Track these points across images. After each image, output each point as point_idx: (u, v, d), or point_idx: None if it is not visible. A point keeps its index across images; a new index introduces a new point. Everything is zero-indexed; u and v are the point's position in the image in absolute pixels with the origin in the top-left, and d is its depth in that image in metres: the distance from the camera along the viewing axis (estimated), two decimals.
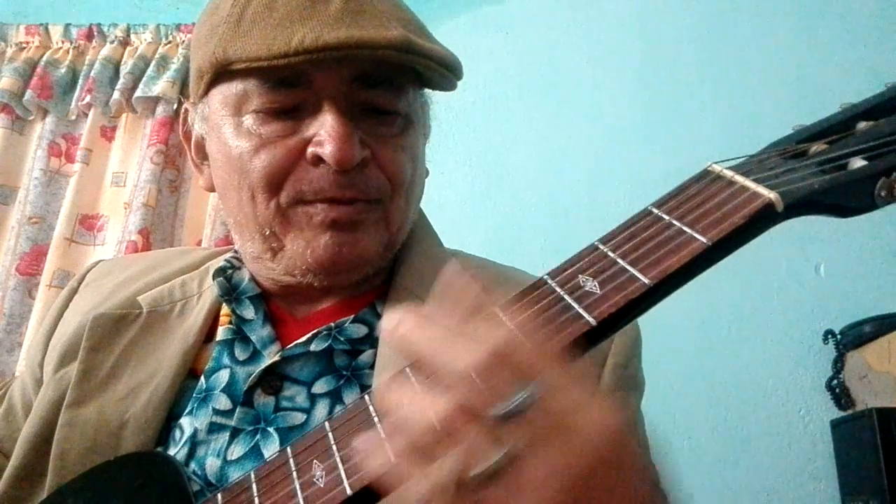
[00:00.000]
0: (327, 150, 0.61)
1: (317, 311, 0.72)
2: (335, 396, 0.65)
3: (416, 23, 0.67)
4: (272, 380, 0.65)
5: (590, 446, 0.36)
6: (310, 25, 0.61)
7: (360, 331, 0.68)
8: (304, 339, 0.66)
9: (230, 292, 0.71)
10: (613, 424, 0.37)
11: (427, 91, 0.74)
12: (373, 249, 0.66)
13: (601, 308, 0.41)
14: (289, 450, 0.48)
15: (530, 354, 0.38)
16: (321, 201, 0.64)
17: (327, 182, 0.63)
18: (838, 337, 1.77)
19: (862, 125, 0.45)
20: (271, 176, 0.64)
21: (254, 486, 0.49)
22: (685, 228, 0.41)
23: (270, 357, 0.67)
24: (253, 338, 0.69)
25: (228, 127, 0.66)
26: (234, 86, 0.65)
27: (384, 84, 0.64)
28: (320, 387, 0.65)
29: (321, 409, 0.64)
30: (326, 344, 0.66)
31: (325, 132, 0.62)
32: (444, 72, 0.66)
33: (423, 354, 0.40)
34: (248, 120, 0.65)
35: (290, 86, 0.63)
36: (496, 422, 0.36)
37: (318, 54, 0.60)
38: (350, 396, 0.65)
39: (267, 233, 0.66)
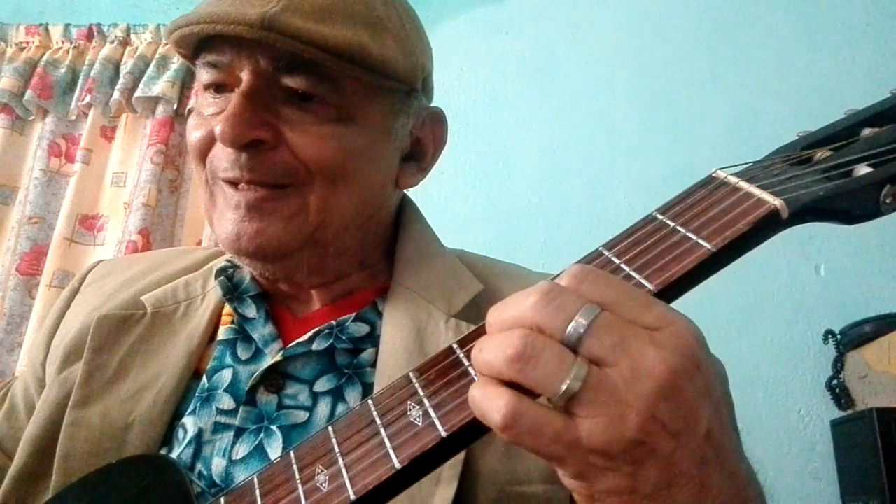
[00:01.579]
0: (217, 128, 0.62)
1: (316, 311, 0.72)
2: (337, 395, 0.65)
3: (330, 8, 0.62)
4: (274, 378, 0.66)
5: (672, 345, 0.37)
6: (213, 5, 0.62)
7: (361, 329, 0.68)
8: (305, 337, 0.66)
9: (232, 291, 0.72)
10: (689, 329, 0.38)
11: (422, 103, 0.72)
12: (281, 242, 0.64)
13: None
14: (292, 454, 0.48)
15: (582, 281, 0.39)
16: (227, 182, 0.65)
17: (227, 161, 0.64)
18: (838, 337, 1.76)
19: (867, 132, 0.44)
20: (197, 151, 0.67)
21: (257, 490, 0.49)
22: (690, 235, 0.41)
23: (272, 355, 0.67)
24: (255, 336, 0.69)
25: (195, 105, 0.70)
26: (196, 67, 0.68)
27: (304, 69, 0.62)
28: (322, 385, 0.66)
29: (323, 407, 0.64)
30: (328, 343, 0.66)
31: (223, 111, 0.63)
32: (327, 57, 0.60)
33: (498, 320, 0.40)
34: (201, 98, 0.68)
35: (214, 66, 0.65)
36: (569, 340, 0.37)
37: (184, 29, 0.62)
38: (351, 394, 0.65)
39: (206, 209, 0.69)
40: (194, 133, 0.67)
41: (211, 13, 0.60)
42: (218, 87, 0.66)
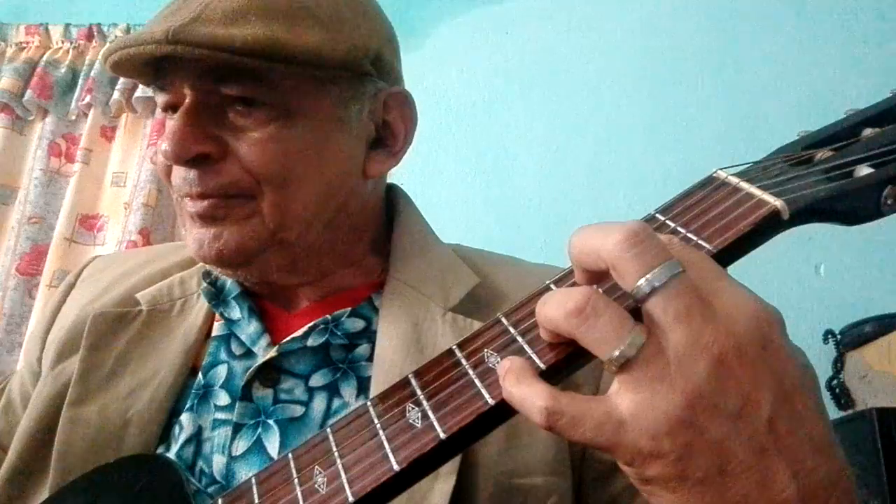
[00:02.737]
0: (163, 146, 0.63)
1: (305, 307, 0.72)
2: (332, 389, 0.65)
3: (244, 9, 0.61)
4: (269, 373, 0.66)
5: (734, 323, 0.35)
6: (144, 27, 0.63)
7: (357, 325, 0.68)
8: (300, 332, 0.66)
9: (217, 296, 0.71)
10: (757, 308, 0.36)
11: (378, 86, 0.70)
12: (239, 244, 0.64)
13: None
14: (290, 455, 0.48)
15: (670, 239, 0.39)
16: (184, 196, 0.65)
17: (181, 178, 0.64)
18: (838, 337, 1.76)
19: (868, 132, 0.44)
20: (162, 172, 0.68)
21: (255, 491, 0.48)
22: (690, 235, 0.41)
23: (262, 351, 0.67)
24: (242, 337, 0.69)
25: None
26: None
27: (235, 75, 0.62)
28: (317, 380, 0.66)
29: (319, 402, 0.64)
30: (323, 339, 0.66)
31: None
32: (237, 58, 0.59)
33: (579, 245, 0.40)
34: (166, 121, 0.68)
35: (162, 89, 0.66)
36: (638, 291, 0.36)
37: (108, 59, 0.63)
38: (347, 389, 0.65)
39: (181, 224, 0.69)
40: (158, 155, 0.67)
41: (125, 38, 0.62)
42: (174, 108, 0.66)
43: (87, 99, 2.26)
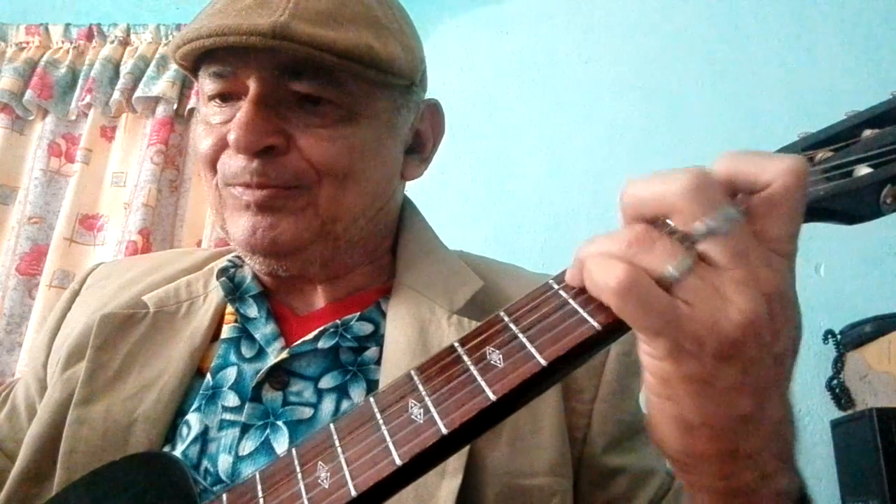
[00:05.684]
0: (230, 136, 0.64)
1: (319, 309, 0.73)
2: (342, 391, 0.66)
3: (333, 13, 0.64)
4: (279, 375, 0.66)
5: (782, 270, 0.39)
6: (218, 17, 0.63)
7: (366, 328, 0.69)
8: (311, 336, 0.67)
9: (233, 292, 0.72)
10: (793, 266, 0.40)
11: (419, 97, 0.74)
12: (294, 235, 0.66)
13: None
14: (294, 451, 0.48)
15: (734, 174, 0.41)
16: (238, 185, 0.66)
17: (240, 167, 0.65)
18: (838, 337, 1.76)
19: (867, 133, 0.45)
20: (207, 159, 0.68)
21: (258, 486, 0.49)
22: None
23: (275, 353, 0.68)
24: (257, 335, 0.70)
25: (199, 115, 0.71)
26: (200, 78, 0.69)
27: (310, 74, 0.64)
28: (326, 382, 0.66)
29: (328, 403, 0.65)
30: (334, 341, 0.67)
31: (235, 119, 0.64)
32: (338, 60, 0.62)
33: (641, 191, 0.41)
34: (206, 108, 0.69)
35: (220, 76, 0.66)
36: (697, 231, 0.38)
37: (194, 44, 0.63)
38: (356, 391, 0.66)
39: (217, 214, 0.70)
40: (204, 142, 0.68)
41: (221, 26, 0.61)
42: (224, 97, 0.67)
43: (87, 99, 2.26)
